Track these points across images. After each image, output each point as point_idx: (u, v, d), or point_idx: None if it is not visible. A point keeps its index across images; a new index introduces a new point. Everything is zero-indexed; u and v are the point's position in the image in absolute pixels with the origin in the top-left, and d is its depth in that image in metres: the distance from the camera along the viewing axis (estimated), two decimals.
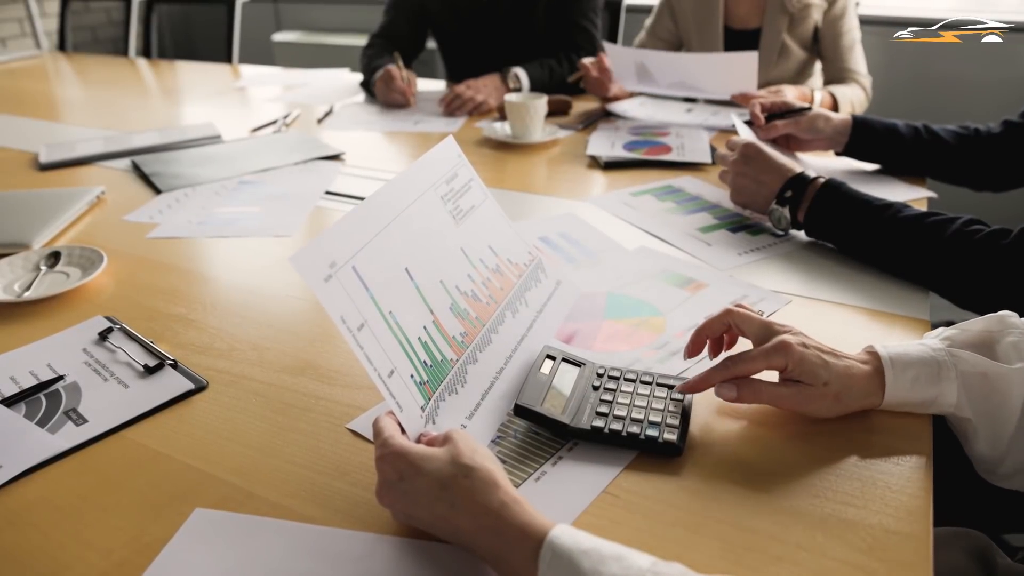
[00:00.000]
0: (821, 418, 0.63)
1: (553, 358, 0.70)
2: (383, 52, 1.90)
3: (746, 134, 1.20)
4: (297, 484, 0.60)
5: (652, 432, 0.62)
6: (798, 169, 0.98)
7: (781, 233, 1.02)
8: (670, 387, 0.67)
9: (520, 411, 0.64)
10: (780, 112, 1.24)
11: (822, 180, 0.94)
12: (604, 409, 0.64)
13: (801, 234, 1.02)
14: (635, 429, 0.62)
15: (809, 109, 1.22)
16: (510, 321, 0.74)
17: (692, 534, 0.54)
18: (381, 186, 0.65)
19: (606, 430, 0.62)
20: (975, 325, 0.64)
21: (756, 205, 1.03)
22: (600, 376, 0.68)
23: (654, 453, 0.61)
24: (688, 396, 0.66)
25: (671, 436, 0.61)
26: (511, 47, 1.90)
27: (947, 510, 0.66)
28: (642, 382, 0.68)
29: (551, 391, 0.66)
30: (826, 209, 0.93)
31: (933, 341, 0.64)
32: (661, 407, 0.64)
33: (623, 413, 0.64)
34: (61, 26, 2.90)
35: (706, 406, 0.67)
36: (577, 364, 0.70)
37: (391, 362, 0.59)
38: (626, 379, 0.68)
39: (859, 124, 1.18)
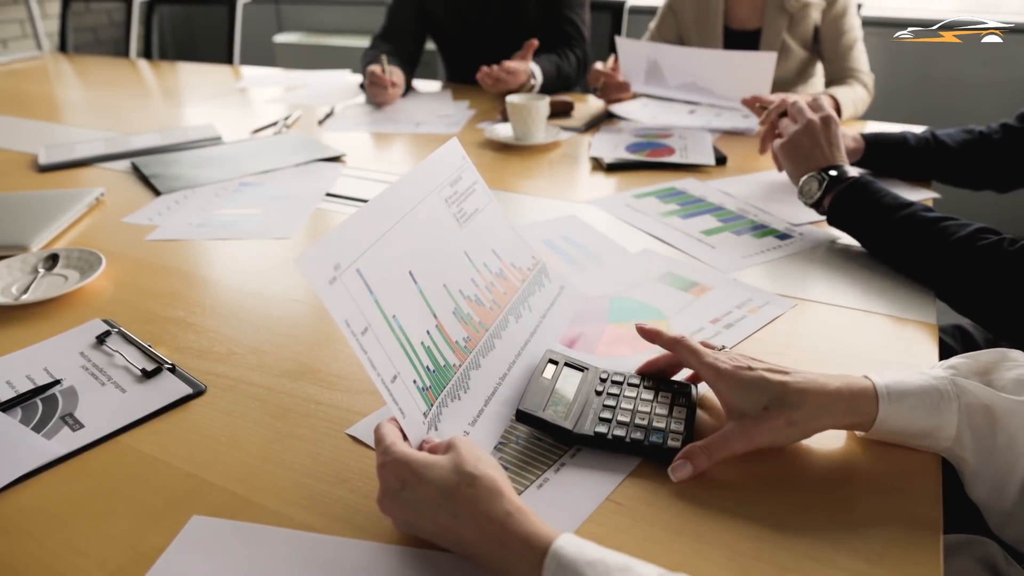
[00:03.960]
0: (791, 445, 0.61)
1: (555, 363, 0.69)
2: (383, 54, 1.90)
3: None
4: (296, 491, 0.59)
5: (656, 439, 0.61)
6: (846, 162, 1.00)
7: (794, 222, 1.03)
8: (674, 392, 0.66)
9: (523, 417, 0.63)
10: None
11: (855, 175, 0.96)
12: (607, 415, 0.63)
13: (806, 237, 1.01)
14: (639, 435, 0.61)
15: None
16: (513, 326, 0.73)
17: (697, 543, 0.53)
18: (385, 188, 0.65)
19: (609, 436, 0.61)
20: (981, 356, 0.60)
21: (797, 166, 1.03)
22: (603, 381, 0.67)
23: (658, 460, 0.60)
24: (693, 400, 0.65)
25: (675, 443, 0.60)
26: (507, 46, 1.91)
27: (955, 517, 0.65)
28: (645, 387, 0.67)
29: (554, 396, 0.65)
30: (848, 201, 0.94)
31: (936, 370, 0.59)
32: (665, 412, 0.63)
33: (627, 419, 0.63)
34: (62, 27, 2.90)
35: (711, 413, 0.66)
36: (580, 369, 0.69)
37: (394, 367, 0.58)
38: (629, 384, 0.67)
39: (871, 144, 1.19)
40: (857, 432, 0.62)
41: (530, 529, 0.47)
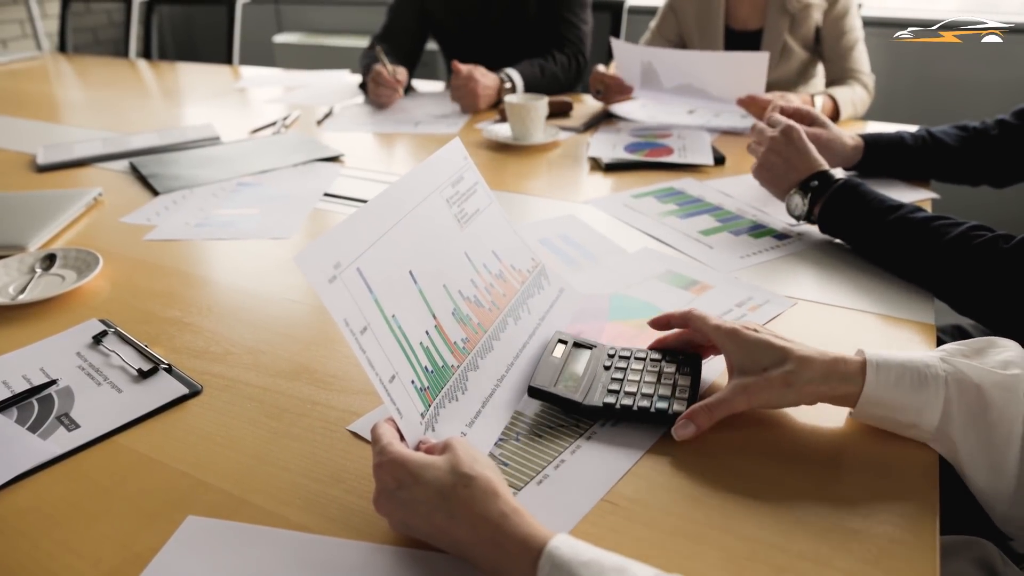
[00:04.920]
0: (788, 408, 0.64)
1: (565, 343, 0.72)
2: (383, 52, 1.90)
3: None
4: (292, 492, 0.59)
5: (661, 405, 0.64)
6: (827, 165, 0.99)
7: (793, 222, 1.02)
8: (679, 362, 0.69)
9: (534, 392, 0.66)
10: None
11: (842, 179, 0.95)
12: (615, 387, 0.66)
13: (804, 238, 1.01)
14: (645, 403, 0.64)
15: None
16: (512, 328, 0.73)
17: (693, 543, 0.53)
18: (387, 187, 0.65)
19: (617, 406, 0.64)
20: (971, 343, 0.60)
21: (777, 186, 1.03)
22: (611, 357, 0.70)
23: (663, 425, 0.63)
24: (698, 368, 0.68)
25: (680, 407, 0.63)
26: (508, 47, 1.91)
27: (953, 518, 0.65)
28: (652, 360, 0.69)
29: (564, 373, 0.68)
30: (839, 206, 0.94)
31: (929, 351, 0.61)
32: (670, 382, 0.66)
33: (633, 389, 0.66)
34: (62, 27, 2.90)
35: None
36: (588, 347, 0.72)
37: (392, 367, 0.58)
38: (636, 358, 0.70)
39: (870, 145, 1.18)
40: (850, 413, 0.62)
41: (526, 530, 0.47)
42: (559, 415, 0.66)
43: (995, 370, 0.57)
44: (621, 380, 0.67)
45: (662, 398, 0.64)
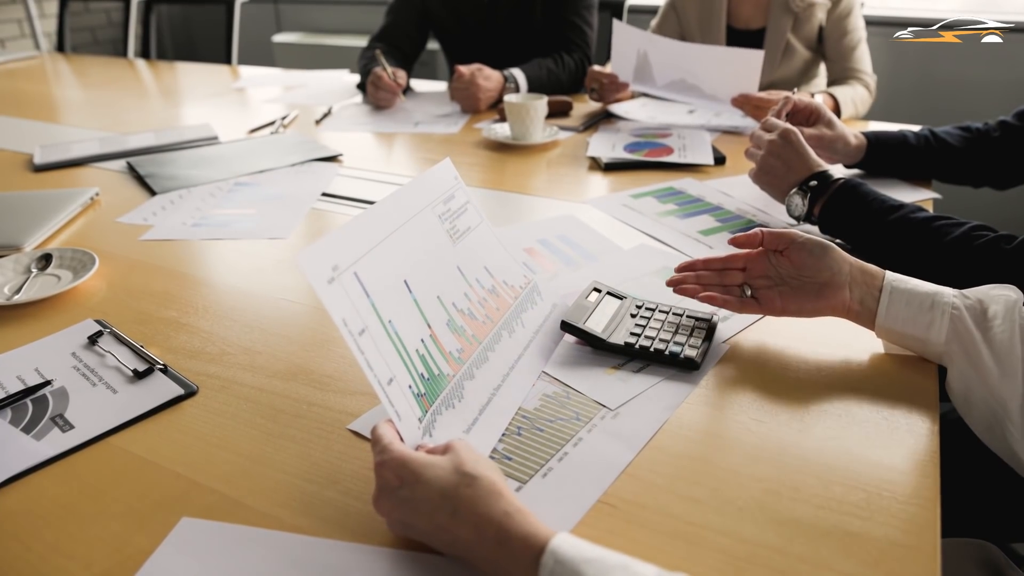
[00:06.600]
0: (805, 315, 0.72)
1: (599, 291, 0.80)
2: (382, 54, 1.89)
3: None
4: (287, 493, 0.58)
5: (675, 349, 0.71)
6: (826, 166, 0.99)
7: (792, 222, 1.02)
8: (696, 319, 0.76)
9: (565, 326, 0.75)
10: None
11: (842, 179, 0.95)
12: (637, 331, 0.74)
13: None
14: (661, 347, 0.72)
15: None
16: (507, 340, 0.73)
17: (692, 546, 0.52)
18: (381, 199, 0.65)
19: (636, 347, 0.72)
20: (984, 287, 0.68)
21: (777, 188, 1.03)
22: (638, 308, 0.79)
23: (674, 367, 0.71)
24: (713, 326, 0.75)
25: (691, 352, 0.70)
26: (512, 48, 1.90)
27: (956, 520, 0.64)
28: (674, 314, 0.78)
29: (594, 314, 0.76)
30: (840, 206, 0.94)
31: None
32: (686, 333, 0.74)
33: (653, 335, 0.74)
34: (60, 27, 2.89)
35: (705, 415, 0.66)
36: (620, 298, 0.81)
37: (390, 370, 0.57)
38: (660, 311, 0.78)
39: (873, 144, 1.17)
40: (876, 334, 0.71)
41: (529, 529, 0.47)
42: (557, 408, 0.66)
43: (999, 294, 0.65)
44: (644, 327, 0.75)
45: (676, 344, 0.72)
